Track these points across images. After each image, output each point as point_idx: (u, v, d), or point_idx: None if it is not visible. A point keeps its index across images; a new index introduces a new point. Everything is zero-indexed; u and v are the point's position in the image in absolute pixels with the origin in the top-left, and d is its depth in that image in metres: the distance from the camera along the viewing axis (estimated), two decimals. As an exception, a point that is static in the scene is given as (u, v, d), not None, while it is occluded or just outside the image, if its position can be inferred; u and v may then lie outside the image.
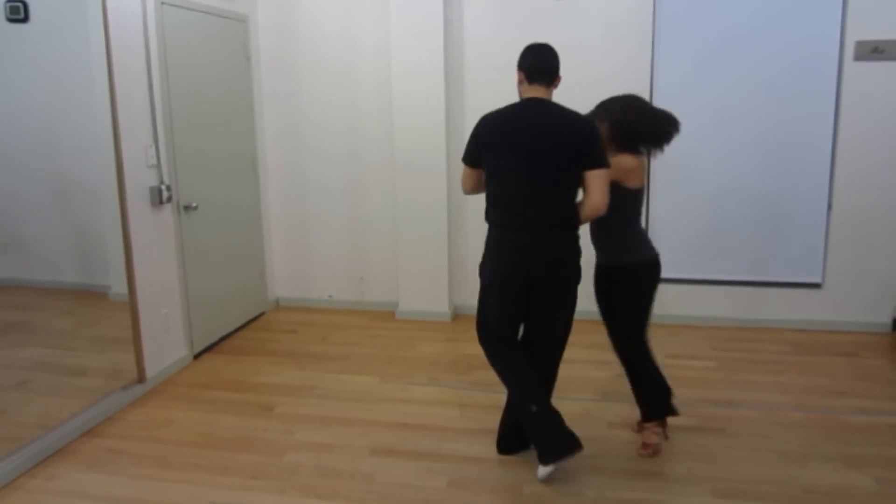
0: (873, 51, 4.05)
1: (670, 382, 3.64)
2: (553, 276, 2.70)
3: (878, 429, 3.15)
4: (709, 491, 2.68)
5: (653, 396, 2.97)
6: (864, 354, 4.04)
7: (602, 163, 2.61)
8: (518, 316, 2.82)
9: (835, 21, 4.11)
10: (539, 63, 2.70)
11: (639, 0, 4.29)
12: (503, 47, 4.48)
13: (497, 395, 3.55)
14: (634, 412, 3.31)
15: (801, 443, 3.03)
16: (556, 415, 2.72)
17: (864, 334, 4.34)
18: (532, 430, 2.76)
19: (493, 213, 2.74)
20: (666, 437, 3.01)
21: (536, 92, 2.70)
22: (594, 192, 2.61)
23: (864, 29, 4.04)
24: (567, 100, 3.02)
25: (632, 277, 2.88)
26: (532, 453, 2.88)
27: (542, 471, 2.71)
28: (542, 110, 2.67)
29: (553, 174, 2.63)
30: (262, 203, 5.00)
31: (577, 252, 2.73)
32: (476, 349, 4.21)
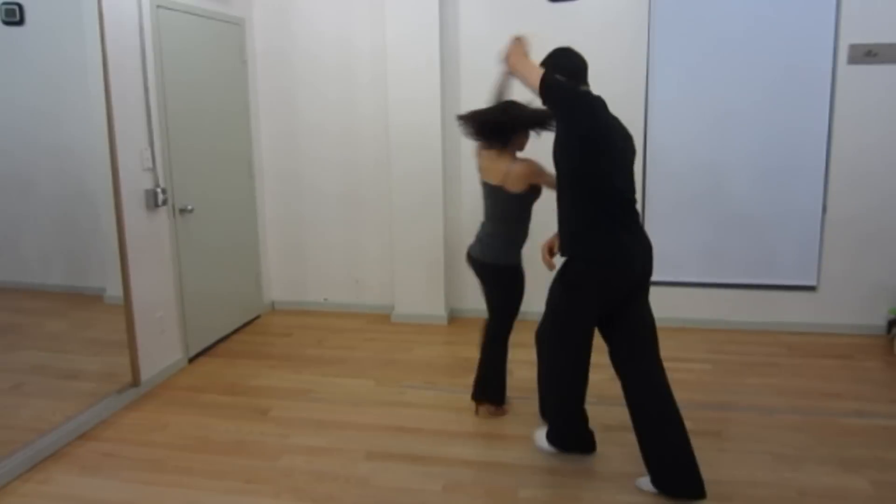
0: (867, 54, 4.07)
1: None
2: (650, 272, 2.68)
3: (873, 431, 3.15)
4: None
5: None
6: (858, 357, 4.05)
7: None
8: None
9: (828, 25, 4.12)
10: (581, 64, 2.70)
11: (634, 2, 4.30)
12: (499, 48, 4.50)
13: (493, 399, 3.55)
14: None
15: (796, 445, 3.03)
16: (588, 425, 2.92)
17: (859, 337, 4.35)
18: (563, 424, 2.92)
19: (602, 213, 2.56)
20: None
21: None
22: None
23: (858, 32, 4.07)
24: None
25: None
26: (531, 458, 2.89)
27: (543, 444, 2.97)
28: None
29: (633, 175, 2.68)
30: (258, 206, 4.99)
31: None
32: (472, 352, 4.22)
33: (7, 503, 2.71)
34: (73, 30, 3.36)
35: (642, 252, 2.63)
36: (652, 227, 4.54)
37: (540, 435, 3.01)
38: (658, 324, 4.53)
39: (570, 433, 2.94)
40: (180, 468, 2.96)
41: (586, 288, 2.62)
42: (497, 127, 2.96)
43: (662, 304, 4.62)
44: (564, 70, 2.65)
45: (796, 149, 4.30)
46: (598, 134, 2.52)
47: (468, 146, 4.70)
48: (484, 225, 3.19)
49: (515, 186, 2.95)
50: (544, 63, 2.70)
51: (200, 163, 4.23)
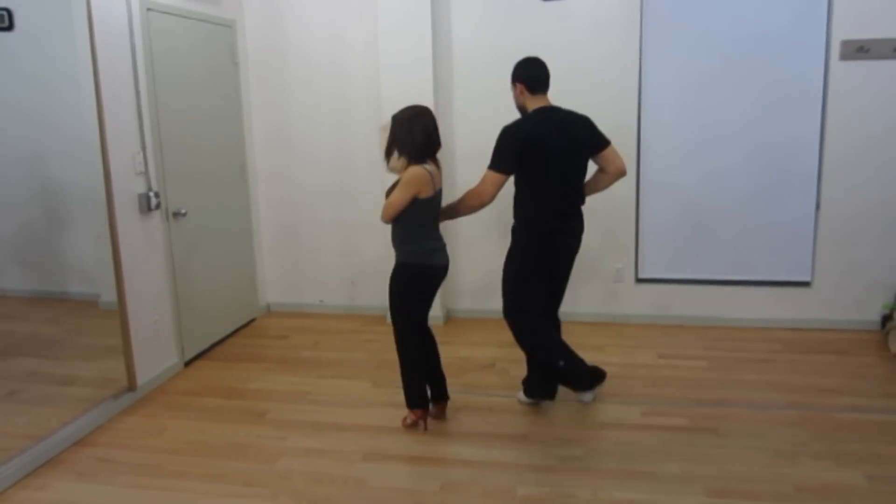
0: (859, 50, 4.09)
1: (663, 382, 3.67)
2: (577, 248, 3.25)
3: (869, 426, 3.17)
4: (702, 490, 2.69)
5: (408, 387, 3.22)
6: (853, 352, 4.06)
7: (608, 140, 3.13)
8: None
9: (820, 21, 4.13)
10: (538, 75, 3.06)
11: (626, 2, 4.30)
12: (491, 48, 4.52)
13: (490, 399, 3.55)
14: (627, 413, 3.34)
15: (792, 441, 3.04)
16: (580, 359, 3.20)
17: (854, 332, 4.37)
18: (567, 375, 3.26)
19: (533, 207, 3.11)
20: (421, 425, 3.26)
21: (543, 101, 3.07)
22: (616, 159, 3.12)
23: (850, 28, 4.07)
24: (556, 102, 3.06)
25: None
26: (528, 456, 2.89)
27: (588, 395, 3.34)
28: (560, 116, 3.07)
29: (579, 167, 3.12)
30: (252, 208, 4.98)
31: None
32: (468, 353, 4.24)
33: (3, 510, 2.71)
34: (62, 34, 3.35)
35: (570, 231, 3.19)
36: (647, 224, 4.57)
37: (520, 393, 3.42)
38: (654, 321, 4.63)
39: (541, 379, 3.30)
40: (177, 472, 2.95)
41: (533, 242, 3.16)
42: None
43: (658, 302, 4.69)
44: (525, 79, 3.05)
45: (789, 145, 4.31)
46: (528, 154, 3.01)
47: (462, 146, 4.71)
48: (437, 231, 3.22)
49: None
50: (512, 74, 3.10)
51: (193, 166, 4.22)
